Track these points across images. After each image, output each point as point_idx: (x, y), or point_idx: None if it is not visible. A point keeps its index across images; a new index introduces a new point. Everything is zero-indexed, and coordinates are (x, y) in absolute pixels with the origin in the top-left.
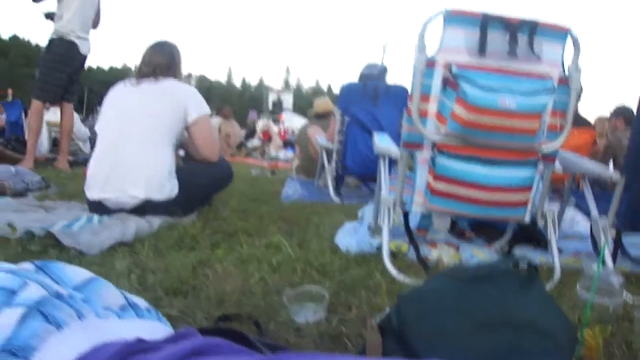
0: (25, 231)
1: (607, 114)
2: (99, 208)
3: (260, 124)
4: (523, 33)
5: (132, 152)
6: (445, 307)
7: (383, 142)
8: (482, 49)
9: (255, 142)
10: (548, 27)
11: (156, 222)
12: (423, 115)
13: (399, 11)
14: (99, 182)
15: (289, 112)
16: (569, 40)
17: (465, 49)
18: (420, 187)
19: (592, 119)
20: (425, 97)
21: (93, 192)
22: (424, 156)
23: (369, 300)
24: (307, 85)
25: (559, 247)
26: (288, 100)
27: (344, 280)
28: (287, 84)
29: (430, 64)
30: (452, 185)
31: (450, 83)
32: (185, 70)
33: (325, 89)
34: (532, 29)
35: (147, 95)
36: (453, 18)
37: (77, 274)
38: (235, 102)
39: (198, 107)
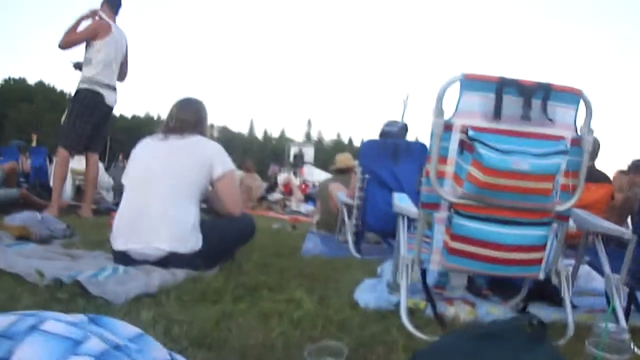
0: (53, 278)
1: (626, 166)
2: (123, 258)
3: (282, 177)
4: (537, 97)
5: (157, 205)
6: None
7: (402, 202)
8: (497, 113)
9: (276, 195)
10: (561, 91)
11: (180, 274)
12: (440, 176)
13: (420, 63)
14: (124, 233)
15: (309, 165)
16: (581, 102)
17: (480, 113)
18: (437, 246)
19: (612, 170)
20: (443, 159)
21: (118, 243)
22: (441, 215)
23: (386, 356)
24: (328, 137)
25: (574, 303)
26: (309, 154)
27: (362, 336)
28: (308, 137)
29: (447, 127)
30: (467, 244)
31: (467, 146)
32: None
33: (346, 141)
34: (546, 92)
35: (173, 150)
36: (469, 83)
37: (126, 328)
38: (256, 153)
39: (223, 163)
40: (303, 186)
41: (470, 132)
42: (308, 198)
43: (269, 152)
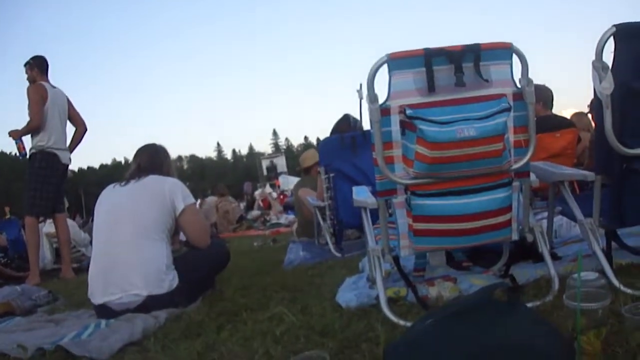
0: (36, 349)
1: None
2: (104, 311)
3: (258, 193)
4: (467, 61)
5: (125, 251)
6: (437, 346)
7: (360, 195)
8: (430, 86)
9: (254, 213)
10: (490, 48)
11: (162, 315)
12: (390, 161)
13: (375, 50)
14: (100, 286)
15: (284, 175)
16: (515, 56)
17: (414, 90)
18: (403, 231)
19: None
20: (388, 144)
21: (96, 297)
22: (399, 200)
23: (371, 352)
24: (296, 142)
25: (558, 254)
26: (281, 164)
27: (346, 337)
28: (276, 147)
29: (385, 112)
30: (431, 223)
31: (408, 125)
32: (173, 152)
33: (314, 142)
34: (476, 54)
35: (132, 193)
36: (396, 62)
37: None
38: (229, 174)
39: (183, 198)
40: (282, 197)
41: (408, 111)
42: (287, 208)
43: (241, 170)
